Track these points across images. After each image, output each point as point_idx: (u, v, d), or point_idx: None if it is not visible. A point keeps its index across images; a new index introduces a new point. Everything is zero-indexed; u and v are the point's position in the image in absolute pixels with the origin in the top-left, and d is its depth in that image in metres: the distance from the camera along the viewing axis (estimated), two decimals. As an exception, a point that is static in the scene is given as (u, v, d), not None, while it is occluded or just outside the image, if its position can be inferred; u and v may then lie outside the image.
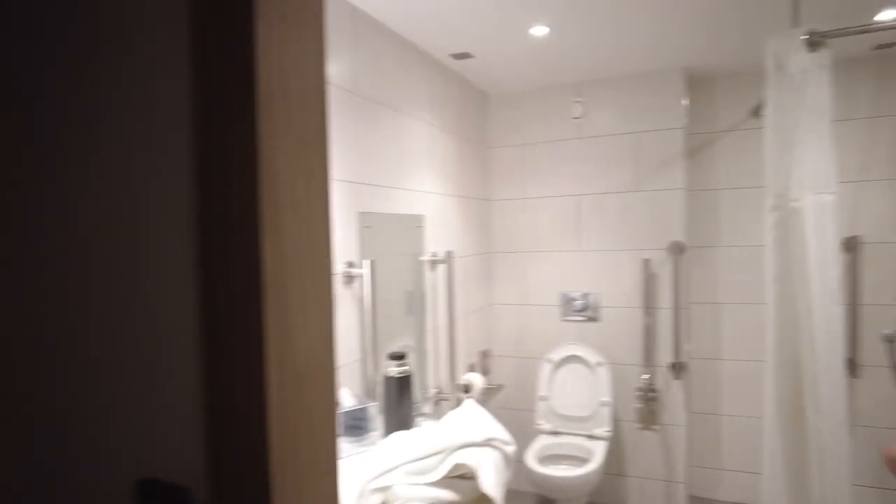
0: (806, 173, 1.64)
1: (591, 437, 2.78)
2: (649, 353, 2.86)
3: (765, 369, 1.84)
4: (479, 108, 3.06)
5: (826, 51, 1.63)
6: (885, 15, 2.11)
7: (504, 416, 2.34)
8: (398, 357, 1.65)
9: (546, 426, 2.89)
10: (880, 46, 2.45)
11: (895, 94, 2.57)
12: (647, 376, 2.85)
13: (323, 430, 0.64)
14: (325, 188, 0.65)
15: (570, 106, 2.98)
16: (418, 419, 1.72)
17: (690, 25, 2.23)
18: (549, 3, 1.98)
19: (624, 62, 2.66)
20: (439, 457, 1.33)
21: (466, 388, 2.50)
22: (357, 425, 1.55)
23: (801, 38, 1.64)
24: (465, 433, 1.40)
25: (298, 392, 0.60)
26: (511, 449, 1.50)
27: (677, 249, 2.80)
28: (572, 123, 2.99)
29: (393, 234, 2.17)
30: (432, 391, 2.40)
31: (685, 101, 2.78)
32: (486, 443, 1.42)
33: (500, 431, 1.50)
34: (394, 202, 2.17)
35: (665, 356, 2.83)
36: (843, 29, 1.62)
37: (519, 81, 2.92)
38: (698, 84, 2.87)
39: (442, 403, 2.43)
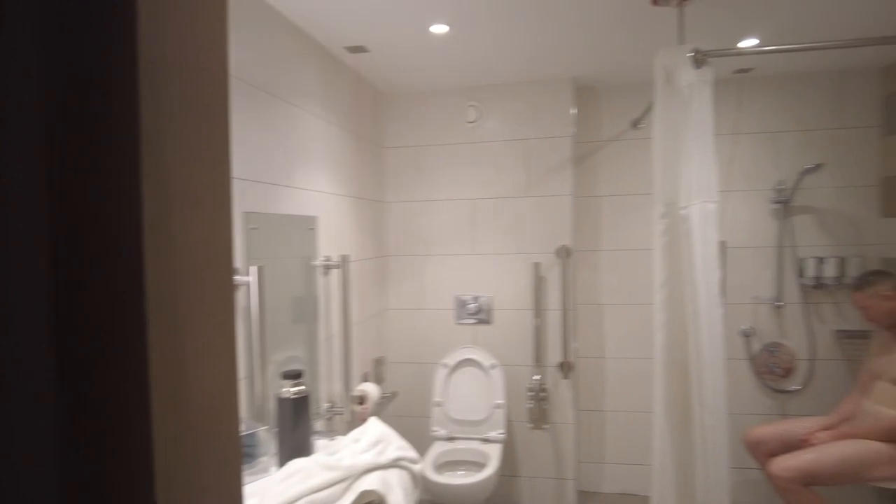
0: (693, 182, 1.74)
1: (485, 440, 2.78)
2: (540, 354, 2.92)
3: (654, 369, 1.94)
4: (374, 106, 2.94)
5: (708, 68, 1.75)
6: (746, 43, 2.32)
7: (398, 424, 2.25)
8: (294, 376, 1.49)
9: (441, 432, 2.84)
10: (739, 71, 2.71)
11: (751, 114, 2.86)
12: (538, 377, 2.91)
13: (226, 490, 0.50)
14: (227, 181, 0.51)
15: (465, 110, 2.96)
16: (316, 442, 1.57)
17: (579, 37, 2.29)
18: (451, 1, 1.92)
19: (517, 69, 2.69)
20: (343, 485, 1.20)
21: (361, 400, 2.37)
22: (246, 452, 1.37)
23: (688, 54, 1.73)
24: (370, 455, 1.29)
25: (194, 448, 0.46)
26: (419, 467, 1.41)
27: (565, 253, 2.89)
28: (467, 127, 2.97)
29: (282, 236, 1.99)
30: (325, 405, 2.24)
31: (573, 110, 2.89)
32: (394, 464, 1.31)
33: (406, 449, 1.41)
34: (283, 202, 1.99)
35: (554, 356, 2.91)
36: (723, 49, 1.74)
37: (415, 81, 2.84)
38: (585, 94, 2.99)
39: (335, 418, 2.27)
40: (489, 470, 2.48)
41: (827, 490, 2.22)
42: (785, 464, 2.25)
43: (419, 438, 2.79)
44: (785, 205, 2.80)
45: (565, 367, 2.90)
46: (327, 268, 2.30)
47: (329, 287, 2.33)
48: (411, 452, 1.42)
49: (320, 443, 1.63)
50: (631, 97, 2.89)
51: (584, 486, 3.08)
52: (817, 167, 2.74)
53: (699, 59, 1.72)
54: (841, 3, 1.98)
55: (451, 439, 2.81)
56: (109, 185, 0.40)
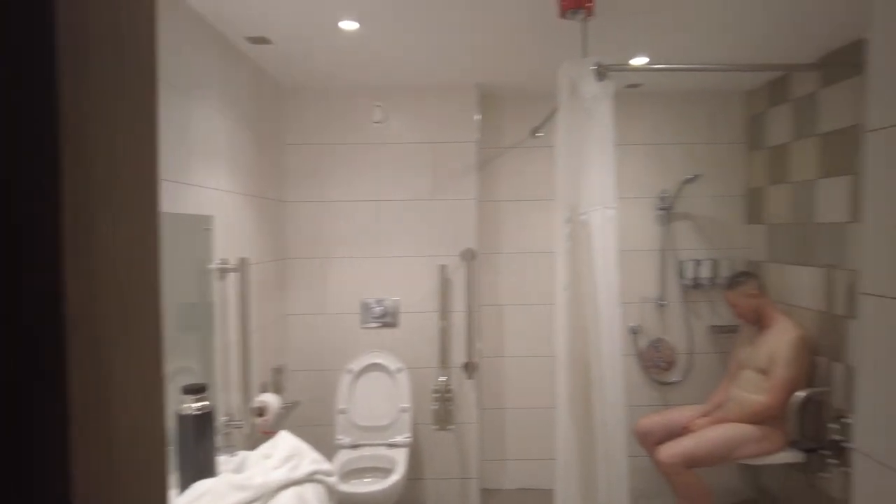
0: (594, 189, 1.83)
1: (391, 445, 2.74)
2: (445, 355, 2.94)
3: (556, 367, 2.02)
4: (275, 100, 2.80)
5: (609, 82, 1.85)
6: (637, 61, 2.50)
7: (300, 434, 2.15)
8: (196, 390, 1.36)
9: (345, 440, 2.76)
10: (630, 86, 2.91)
11: (638, 127, 3.08)
12: (444, 378, 2.92)
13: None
14: (154, 173, 0.45)
15: (371, 109, 2.91)
16: (221, 461, 1.45)
17: (486, 44, 2.33)
18: (363, -3, 1.87)
19: (424, 72, 2.69)
20: (256, 505, 1.12)
21: (261, 412, 2.24)
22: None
23: (591, 67, 1.82)
24: (283, 471, 1.21)
25: (117, 486, 0.39)
26: (334, 479, 1.36)
27: (469, 256, 2.94)
28: (373, 128, 2.92)
29: (175, 237, 1.82)
30: (222, 419, 2.08)
31: (478, 116, 2.94)
32: (309, 478, 1.25)
33: (321, 462, 1.34)
34: (176, 200, 1.82)
35: (459, 357, 2.94)
36: (623, 64, 1.86)
37: (320, 77, 2.74)
38: (489, 101, 3.05)
39: (234, 432, 2.12)
40: (396, 475, 2.45)
41: (703, 469, 2.45)
42: (670, 451, 2.45)
43: (323, 447, 2.67)
44: (668, 211, 3.05)
45: (470, 368, 2.94)
46: (224, 271, 2.14)
47: (226, 292, 2.18)
48: (326, 465, 1.35)
49: (221, 459, 1.51)
50: (531, 106, 3.00)
51: (487, 484, 3.14)
52: (695, 178, 3.01)
53: (601, 73, 1.82)
54: (715, 33, 2.20)
55: (356, 447, 2.75)
56: (24, 184, 0.33)
